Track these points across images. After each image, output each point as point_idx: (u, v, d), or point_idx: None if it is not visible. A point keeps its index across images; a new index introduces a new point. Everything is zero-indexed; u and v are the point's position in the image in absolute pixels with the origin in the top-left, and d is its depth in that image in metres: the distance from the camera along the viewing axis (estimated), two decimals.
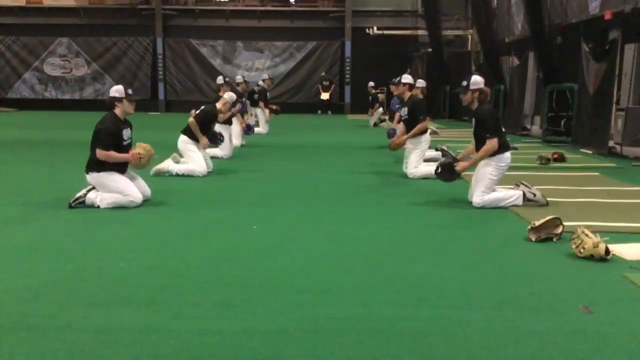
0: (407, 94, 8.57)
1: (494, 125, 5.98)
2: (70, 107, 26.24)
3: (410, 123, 8.31)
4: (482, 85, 6.11)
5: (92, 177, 5.99)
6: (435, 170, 6.51)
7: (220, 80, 11.67)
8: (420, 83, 10.82)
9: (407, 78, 8.70)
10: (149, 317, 3.18)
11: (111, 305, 3.35)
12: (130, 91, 6.16)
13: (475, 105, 6.14)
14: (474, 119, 6.15)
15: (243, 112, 12.17)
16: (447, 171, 6.32)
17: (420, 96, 9.88)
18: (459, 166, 6.22)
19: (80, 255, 4.34)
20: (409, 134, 8.25)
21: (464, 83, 6.17)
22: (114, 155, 5.91)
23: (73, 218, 5.55)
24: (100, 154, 5.86)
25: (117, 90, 6.10)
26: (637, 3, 10.48)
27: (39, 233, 5.03)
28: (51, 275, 3.85)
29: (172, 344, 2.84)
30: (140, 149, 6.11)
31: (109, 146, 5.90)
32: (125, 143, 6.09)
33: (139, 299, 3.43)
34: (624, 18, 10.94)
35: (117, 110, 6.06)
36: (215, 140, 8.75)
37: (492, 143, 5.94)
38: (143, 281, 3.76)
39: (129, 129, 6.18)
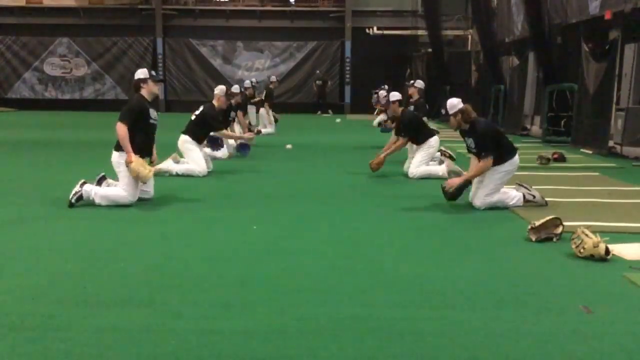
0: (399, 110, 8.52)
1: (492, 142, 5.95)
2: (70, 107, 26.27)
3: (410, 132, 8.36)
4: (460, 107, 6.06)
5: (119, 155, 6.02)
6: (449, 197, 6.31)
7: (236, 89, 11.77)
8: (419, 84, 10.86)
9: (395, 96, 8.68)
10: (149, 317, 3.18)
11: (111, 305, 3.35)
12: (153, 72, 6.40)
13: (465, 126, 6.09)
14: (471, 139, 6.06)
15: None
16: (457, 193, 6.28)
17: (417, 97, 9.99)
18: (450, 181, 6.15)
19: (81, 255, 4.34)
20: (387, 151, 8.36)
21: (443, 112, 6.22)
22: (124, 136, 5.92)
23: (73, 218, 5.55)
24: (120, 127, 5.94)
25: (141, 72, 6.31)
26: (637, 3, 10.48)
27: (39, 233, 5.03)
28: (51, 275, 3.85)
29: (172, 344, 2.84)
30: (140, 165, 5.98)
31: (129, 120, 5.97)
32: (152, 121, 6.21)
33: (139, 299, 3.43)
34: (624, 18, 10.93)
35: (144, 92, 6.20)
36: (216, 144, 8.77)
37: (487, 162, 5.91)
38: (143, 281, 3.76)
39: (155, 110, 6.30)
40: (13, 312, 3.22)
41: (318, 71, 26.19)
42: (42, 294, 3.52)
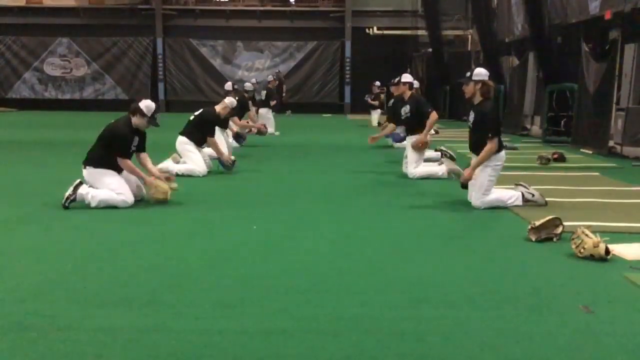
0: (408, 93, 8.57)
1: (495, 124, 5.97)
2: (70, 107, 26.25)
3: (415, 119, 8.32)
4: (485, 78, 6.04)
5: (88, 172, 6.02)
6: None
7: (228, 86, 11.74)
8: (414, 84, 10.90)
9: (407, 77, 8.69)
10: (149, 317, 3.18)
11: (111, 305, 3.35)
12: (156, 116, 6.30)
13: (478, 99, 6.06)
14: (473, 113, 6.09)
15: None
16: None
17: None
18: (466, 174, 6.02)
19: (80, 255, 4.34)
20: (426, 129, 8.21)
21: (468, 74, 6.13)
22: (132, 168, 6.06)
23: (73, 218, 5.55)
24: (122, 162, 6.01)
25: (147, 106, 6.16)
26: (637, 3, 10.48)
27: (39, 233, 5.03)
28: (51, 275, 3.85)
29: (172, 344, 2.84)
30: (161, 184, 6.17)
31: (125, 152, 6.06)
32: (132, 150, 6.21)
33: (139, 299, 3.43)
34: (624, 18, 10.93)
35: (135, 120, 6.16)
36: (241, 138, 8.88)
37: (492, 144, 5.89)
38: (143, 281, 3.76)
39: (137, 137, 6.24)
40: (13, 312, 3.22)
41: (279, 70, 25.55)
42: (42, 294, 3.52)
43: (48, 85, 27.18)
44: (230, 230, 5.22)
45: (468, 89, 6.11)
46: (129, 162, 6.06)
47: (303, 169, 9.34)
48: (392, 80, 9.16)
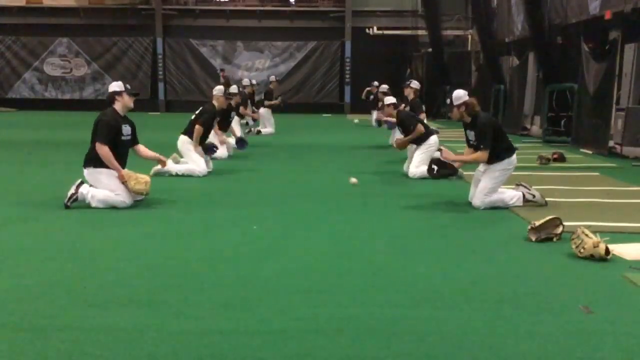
0: (394, 113, 8.68)
1: (491, 137, 5.94)
2: (70, 107, 26.22)
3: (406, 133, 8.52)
4: (465, 99, 6.07)
5: (89, 172, 6.00)
6: (430, 172, 6.51)
7: (234, 89, 11.78)
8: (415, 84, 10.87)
9: (389, 100, 8.81)
10: (149, 317, 3.18)
11: (111, 305, 3.35)
12: (128, 86, 6.29)
13: (467, 118, 6.10)
14: (472, 132, 6.11)
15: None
16: (439, 167, 6.28)
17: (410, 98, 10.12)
18: (443, 152, 6.16)
19: (81, 255, 4.34)
20: (408, 137, 8.30)
21: (448, 101, 6.21)
22: (109, 156, 5.88)
23: (72, 218, 5.55)
24: (100, 147, 5.87)
25: (116, 85, 6.21)
26: (637, 3, 10.48)
27: (39, 233, 5.03)
28: (51, 275, 3.85)
29: (172, 344, 2.84)
30: (133, 180, 5.94)
31: (108, 139, 5.91)
32: (124, 138, 6.10)
33: (139, 299, 3.43)
34: (624, 18, 10.93)
35: (117, 106, 6.13)
36: (211, 151, 8.69)
37: (483, 155, 5.94)
38: (143, 281, 3.76)
39: (128, 125, 6.19)
40: (13, 312, 3.22)
41: (222, 69, 24.77)
42: (42, 294, 3.52)
43: (48, 85, 27.15)
44: (230, 230, 5.22)
45: (454, 115, 6.18)
46: (107, 149, 5.85)
47: (303, 169, 9.34)
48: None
